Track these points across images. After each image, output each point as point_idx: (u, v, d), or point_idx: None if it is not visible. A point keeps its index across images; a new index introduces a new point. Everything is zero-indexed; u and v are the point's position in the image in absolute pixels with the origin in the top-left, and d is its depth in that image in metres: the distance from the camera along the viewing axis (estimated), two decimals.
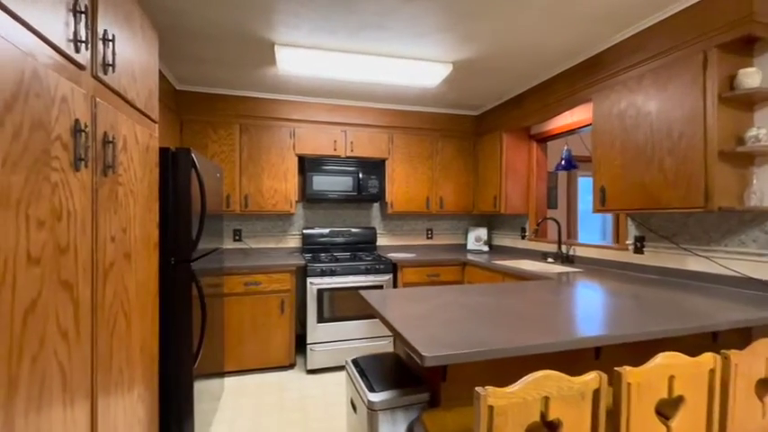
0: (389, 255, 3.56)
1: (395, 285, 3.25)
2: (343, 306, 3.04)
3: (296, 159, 3.34)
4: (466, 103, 3.57)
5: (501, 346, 1.10)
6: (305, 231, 3.53)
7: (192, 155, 1.80)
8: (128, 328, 1.28)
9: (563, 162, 2.94)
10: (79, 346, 0.97)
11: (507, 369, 1.47)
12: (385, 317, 1.41)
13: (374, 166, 3.45)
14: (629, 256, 2.49)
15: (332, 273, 3.02)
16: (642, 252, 2.41)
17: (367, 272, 3.11)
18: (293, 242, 3.63)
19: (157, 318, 1.55)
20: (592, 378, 1.00)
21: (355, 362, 1.65)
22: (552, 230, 3.70)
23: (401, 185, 3.61)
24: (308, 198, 3.27)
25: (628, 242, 2.51)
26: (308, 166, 3.27)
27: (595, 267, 2.70)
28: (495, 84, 3.06)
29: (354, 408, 1.54)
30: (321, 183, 3.30)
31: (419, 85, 3.00)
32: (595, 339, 1.22)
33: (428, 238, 4.03)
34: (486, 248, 3.87)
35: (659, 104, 2.00)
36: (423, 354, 1.03)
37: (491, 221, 4.17)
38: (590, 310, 1.53)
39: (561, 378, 0.97)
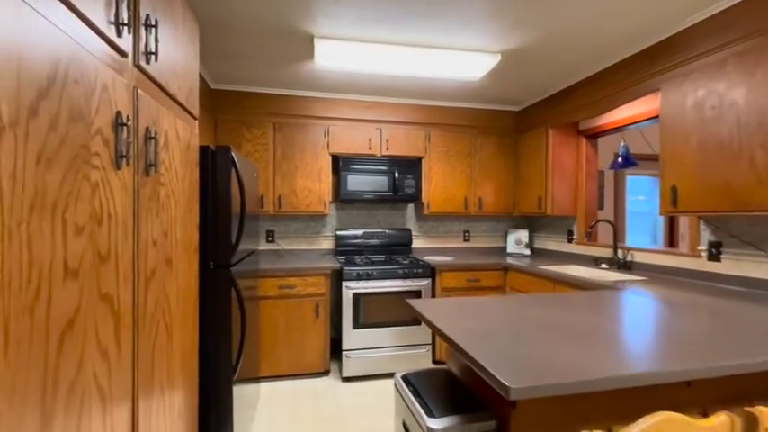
0: (426, 258, 3.40)
1: (433, 291, 3.09)
2: (379, 312, 2.91)
3: (329, 159, 3.23)
4: (508, 97, 3.36)
5: (603, 376, 0.92)
6: (338, 233, 3.42)
7: (232, 153, 1.71)
8: (169, 338, 1.18)
9: (620, 159, 2.69)
10: (120, 366, 0.87)
11: (587, 397, 1.29)
12: (447, 334, 1.26)
13: (410, 166, 3.30)
14: (702, 264, 2.23)
15: (368, 276, 2.89)
16: (719, 259, 2.14)
17: (404, 276, 2.96)
18: (326, 244, 3.53)
19: (197, 326, 1.46)
20: (721, 421, 0.81)
21: (406, 379, 1.50)
22: (606, 233, 3.43)
23: (438, 185, 3.44)
24: (342, 198, 3.16)
25: (701, 248, 2.24)
26: (342, 165, 3.16)
27: (659, 275, 2.44)
28: (544, 75, 2.84)
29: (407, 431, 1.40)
30: (356, 183, 3.18)
31: (463, 79, 2.83)
32: (724, 368, 1.02)
33: (465, 240, 3.85)
34: (527, 252, 3.64)
35: (747, 92, 1.75)
36: (508, 385, 0.87)
37: (532, 223, 3.93)
38: (683, 328, 1.33)
39: (685, 422, 0.79)
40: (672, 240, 4.46)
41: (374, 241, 3.47)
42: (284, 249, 3.43)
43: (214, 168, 1.66)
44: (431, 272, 3.04)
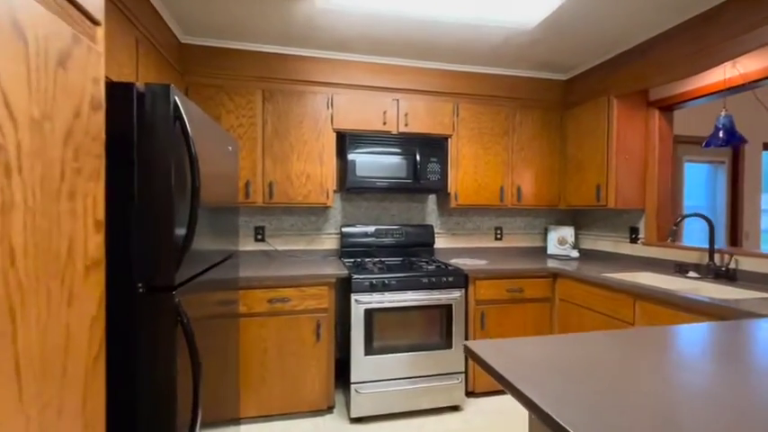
0: (452, 261, 2.73)
1: (466, 303, 2.43)
2: (398, 332, 2.25)
3: (334, 136, 2.56)
4: (557, 60, 2.67)
5: None
6: (344, 229, 2.75)
7: (175, 98, 1.03)
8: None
9: (721, 134, 2.02)
10: None
11: None
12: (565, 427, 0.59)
13: (434, 146, 2.62)
14: None
15: (384, 287, 2.23)
16: None
17: (431, 286, 2.30)
18: (329, 243, 2.86)
19: (103, 390, 0.80)
20: None
21: None
22: (694, 233, 2.76)
23: (468, 171, 2.77)
24: (349, 187, 2.49)
25: None
26: (349, 145, 2.49)
27: None
28: (620, 21, 2.15)
29: None
30: (366, 167, 2.50)
31: (514, 24, 2.13)
32: None
33: (497, 239, 3.18)
34: (574, 254, 2.98)
35: None
36: None
37: (577, 219, 3.26)
38: None
39: None
40: (735, 240, 3.79)
41: (388, 240, 2.80)
42: (277, 250, 2.76)
43: (142, 122, 0.99)
44: (464, 280, 2.37)
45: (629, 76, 2.38)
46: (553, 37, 2.33)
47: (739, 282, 1.99)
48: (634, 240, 2.66)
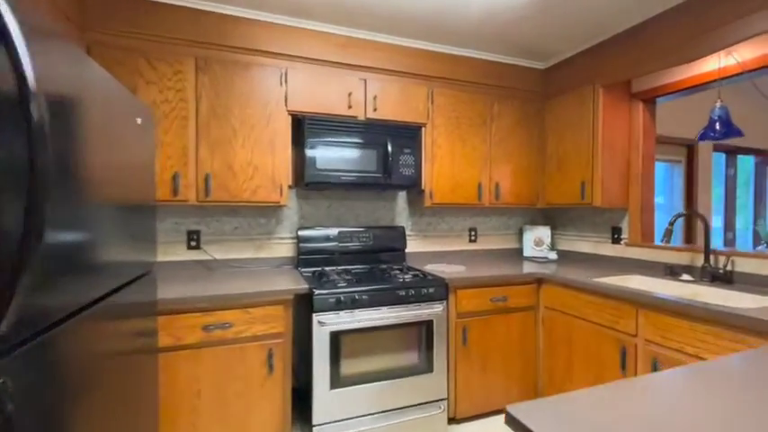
0: (427, 267, 2.40)
1: (447, 318, 2.09)
2: (371, 357, 1.86)
3: (288, 120, 2.10)
4: (539, 45, 2.44)
5: None
6: (301, 233, 2.30)
7: None
8: None
9: (717, 126, 1.88)
10: None
11: None
12: None
13: (407, 136, 2.27)
14: None
15: (354, 304, 1.82)
16: None
17: (407, 300, 1.93)
18: (283, 250, 2.39)
19: None
20: None
21: None
22: (694, 233, 2.64)
23: (444, 165, 2.45)
24: (308, 182, 2.05)
25: None
26: (307, 131, 2.05)
27: None
28: (610, 1, 1.94)
29: None
30: (328, 158, 2.08)
31: None
32: None
33: (471, 240, 2.90)
34: (552, 255, 2.78)
35: None
36: None
37: (553, 218, 3.08)
38: None
39: None
40: (690, 238, 3.87)
41: (354, 245, 2.40)
42: (216, 260, 2.24)
43: None
44: (445, 291, 2.04)
45: (619, 62, 2.19)
46: (541, 15, 2.08)
47: (738, 285, 1.85)
48: (616, 241, 2.51)
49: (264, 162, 2.04)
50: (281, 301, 1.77)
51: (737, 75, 1.89)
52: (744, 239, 4.46)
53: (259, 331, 1.73)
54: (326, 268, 2.31)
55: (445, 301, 2.03)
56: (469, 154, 2.51)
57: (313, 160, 2.05)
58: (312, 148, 2.05)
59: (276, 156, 2.07)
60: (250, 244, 2.32)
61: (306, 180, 2.04)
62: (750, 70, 1.82)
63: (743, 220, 4.53)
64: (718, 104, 1.92)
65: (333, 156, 2.09)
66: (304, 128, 2.05)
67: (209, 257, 2.22)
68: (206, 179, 1.93)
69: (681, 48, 1.90)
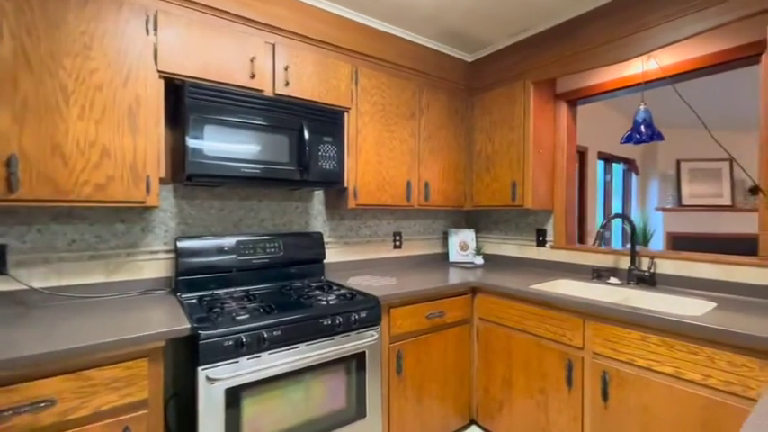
0: (350, 281, 1.99)
1: (381, 345, 1.71)
2: (286, 412, 1.36)
3: (160, 86, 1.48)
4: (470, 30, 2.24)
5: None
6: (182, 244, 1.67)
7: None
8: None
9: (642, 128, 1.89)
10: None
11: None
12: None
13: (328, 121, 1.83)
14: None
15: (260, 344, 1.31)
16: None
17: (334, 330, 1.49)
18: (153, 269, 1.72)
19: None
20: None
21: None
22: (584, 234, 2.67)
23: (371, 159, 2.07)
24: (192, 174, 1.46)
25: None
26: (190, 104, 1.46)
27: (713, 294, 1.70)
28: None
29: None
30: (223, 144, 1.52)
31: None
32: None
33: (396, 246, 2.59)
34: (479, 260, 2.63)
35: None
36: None
37: (475, 221, 2.96)
38: None
39: None
40: (582, 238, 4.22)
41: (259, 258, 1.85)
42: (37, 291, 1.48)
43: None
44: (378, 311, 1.65)
45: (548, 59, 2.10)
46: None
47: (660, 286, 1.88)
48: (541, 244, 2.45)
49: (120, 143, 1.39)
50: (142, 354, 1.17)
51: (661, 79, 1.92)
52: (617, 237, 5.11)
53: (105, 405, 1.10)
54: (220, 291, 1.72)
55: (379, 326, 1.65)
56: (398, 148, 2.19)
57: (198, 145, 1.46)
58: (197, 127, 1.46)
59: (140, 135, 1.42)
60: (99, 263, 1.60)
61: (188, 171, 1.45)
62: (671, 75, 1.85)
63: (615, 221, 5.19)
64: (641, 107, 1.93)
65: (228, 140, 1.54)
66: (185, 99, 1.45)
67: (22, 287, 1.45)
68: (8, 164, 1.20)
69: (609, 49, 1.86)
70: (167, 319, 1.28)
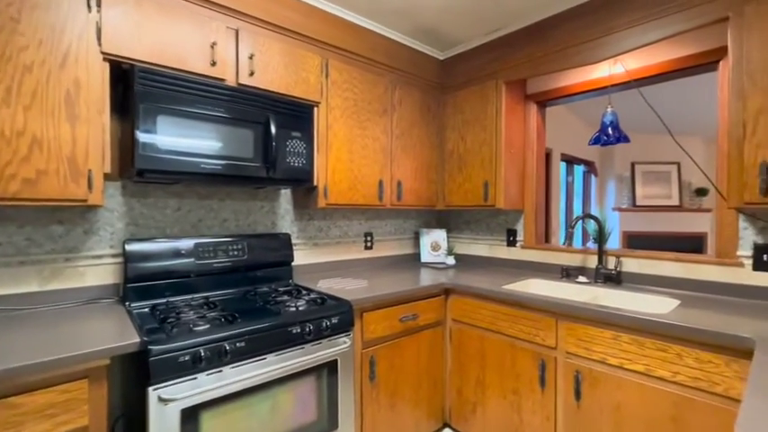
0: (320, 284, 1.89)
1: (354, 352, 1.63)
2: (251, 429, 1.25)
3: (105, 69, 1.32)
4: (443, 28, 2.20)
5: None
6: (131, 247, 1.51)
7: None
8: None
9: (610, 131, 1.93)
10: None
11: None
12: None
13: (296, 115, 1.72)
14: (746, 276, 1.62)
15: (221, 358, 1.19)
16: None
17: (304, 338, 1.39)
18: (98, 275, 1.54)
19: None
20: None
21: None
22: (549, 232, 2.72)
23: (342, 157, 1.99)
24: (142, 169, 1.31)
25: (741, 253, 1.63)
26: (140, 92, 1.31)
27: (677, 292, 1.76)
28: None
29: None
30: (180, 137, 1.38)
31: None
32: None
33: (367, 248, 2.51)
34: (450, 260, 2.61)
35: None
36: None
37: (446, 221, 2.94)
38: None
39: None
40: (548, 237, 4.35)
41: (221, 262, 1.71)
42: None
43: None
44: (350, 316, 1.57)
45: (525, 58, 2.10)
46: None
47: (626, 284, 1.93)
48: (512, 243, 2.47)
49: (56, 133, 1.21)
50: (81, 374, 1.02)
51: (626, 83, 1.97)
52: (577, 236, 5.30)
53: None
54: (176, 299, 1.57)
55: (352, 332, 1.56)
56: (370, 145, 2.11)
57: (150, 138, 1.32)
58: (148, 118, 1.31)
59: (80, 124, 1.26)
60: (31, 270, 1.40)
61: (137, 166, 1.29)
62: (636, 79, 1.91)
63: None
64: (609, 110, 1.98)
65: (186, 133, 1.40)
66: (134, 85, 1.30)
67: None
68: None
69: (578, 51, 1.89)
70: (112, 333, 1.13)
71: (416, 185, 2.36)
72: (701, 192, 5.21)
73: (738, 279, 1.63)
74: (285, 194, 2.11)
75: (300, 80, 1.80)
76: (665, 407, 1.32)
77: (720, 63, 1.68)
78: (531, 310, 1.69)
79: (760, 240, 1.59)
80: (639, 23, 1.70)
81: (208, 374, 1.15)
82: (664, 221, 5.25)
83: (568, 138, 4.56)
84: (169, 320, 1.27)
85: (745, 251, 1.62)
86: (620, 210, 5.40)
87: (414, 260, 2.76)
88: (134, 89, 1.30)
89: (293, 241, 2.13)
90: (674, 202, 5.26)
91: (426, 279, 2.07)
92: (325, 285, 1.88)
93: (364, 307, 1.68)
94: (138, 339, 1.09)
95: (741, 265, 1.62)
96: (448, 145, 2.48)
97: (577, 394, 1.54)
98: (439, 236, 2.72)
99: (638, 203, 5.31)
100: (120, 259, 1.58)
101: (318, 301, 1.57)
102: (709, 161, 5.33)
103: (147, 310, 1.44)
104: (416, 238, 2.82)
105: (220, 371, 1.18)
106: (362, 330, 1.67)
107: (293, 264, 2.11)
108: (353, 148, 2.03)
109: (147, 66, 1.37)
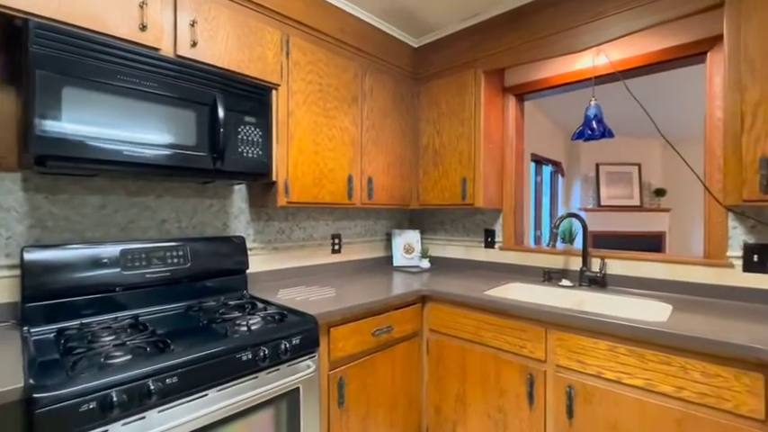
0: (281, 294, 1.63)
1: (319, 375, 1.39)
2: None
3: None
4: (418, 8, 2.01)
5: None
6: (31, 255, 1.18)
7: None
8: None
9: (594, 124, 1.82)
10: None
11: None
12: None
13: (250, 98, 1.46)
14: (737, 278, 1.54)
15: (144, 400, 0.91)
16: (765, 270, 1.49)
17: (257, 365, 1.14)
18: None
19: None
20: None
21: None
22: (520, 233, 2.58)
23: (306, 148, 1.74)
24: (41, 156, 1.01)
25: (731, 254, 1.56)
26: (35, 54, 1.00)
27: (665, 295, 1.67)
28: None
29: None
30: (91, 116, 1.09)
31: None
32: None
33: (335, 251, 2.27)
34: (425, 264, 2.43)
35: None
36: None
37: (419, 221, 2.75)
38: None
39: None
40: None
41: (156, 272, 1.41)
42: None
43: None
44: (315, 334, 1.33)
45: (505, 45, 1.94)
46: None
47: (611, 287, 1.82)
48: (490, 245, 2.32)
49: None
50: None
51: (610, 74, 1.87)
52: (545, 236, 5.32)
53: None
54: (94, 320, 1.26)
55: (317, 352, 1.32)
56: (338, 137, 1.88)
57: (52, 115, 1.01)
58: (49, 90, 1.01)
59: None
60: None
61: (32, 152, 0.99)
62: (622, 71, 1.80)
63: (543, 219, 5.42)
64: (593, 103, 1.87)
65: (103, 112, 1.10)
66: (28, 46, 0.99)
67: None
68: None
69: (562, 38, 1.76)
70: None
71: (389, 182, 2.16)
72: (660, 192, 5.39)
73: (728, 281, 1.55)
74: (240, 191, 1.83)
75: (256, 57, 1.53)
76: (668, 425, 1.19)
77: (708, 54, 1.60)
78: (517, 318, 1.53)
79: (750, 240, 1.52)
80: (628, 8, 1.59)
81: (124, 424, 0.87)
82: (625, 221, 5.38)
83: (536, 138, 4.54)
84: (76, 351, 0.98)
85: (735, 252, 1.54)
86: (586, 210, 5.49)
87: (386, 264, 2.55)
88: (29, 51, 0.99)
89: (249, 245, 1.85)
90: (636, 202, 5.41)
91: (400, 285, 1.86)
92: (287, 296, 1.63)
93: (331, 321, 1.45)
94: (20, 384, 0.80)
95: (731, 266, 1.54)
96: (423, 139, 2.29)
97: (570, 412, 1.39)
98: (412, 237, 2.53)
99: (602, 203, 5.42)
100: (16, 272, 1.24)
101: (276, 317, 1.31)
102: (666, 164, 5.54)
103: (52, 336, 1.12)
104: (388, 240, 2.62)
105: (143, 417, 0.90)
106: (329, 349, 1.43)
107: (248, 272, 1.83)
108: (319, 139, 1.79)
109: (49, 22, 1.07)
